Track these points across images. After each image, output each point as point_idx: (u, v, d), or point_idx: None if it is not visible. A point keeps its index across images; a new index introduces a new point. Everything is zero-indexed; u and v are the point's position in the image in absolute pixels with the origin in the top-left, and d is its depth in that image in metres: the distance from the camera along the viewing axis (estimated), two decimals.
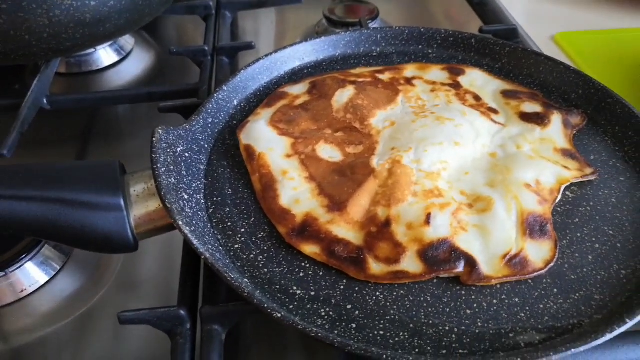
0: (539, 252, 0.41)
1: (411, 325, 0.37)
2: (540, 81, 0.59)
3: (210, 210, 0.45)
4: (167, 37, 0.88)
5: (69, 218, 0.39)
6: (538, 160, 0.47)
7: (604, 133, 0.53)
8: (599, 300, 0.39)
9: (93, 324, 0.47)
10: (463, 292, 0.39)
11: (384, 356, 0.34)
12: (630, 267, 0.41)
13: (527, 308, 0.38)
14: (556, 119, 0.52)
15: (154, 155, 0.42)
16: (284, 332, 0.44)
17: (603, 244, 0.43)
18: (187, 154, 0.47)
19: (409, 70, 0.59)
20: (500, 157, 0.48)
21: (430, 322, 0.37)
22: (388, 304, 0.38)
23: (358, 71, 0.59)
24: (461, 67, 0.60)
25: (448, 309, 0.38)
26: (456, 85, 0.57)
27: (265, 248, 0.42)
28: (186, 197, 0.43)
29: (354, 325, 0.37)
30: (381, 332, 0.37)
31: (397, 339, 0.36)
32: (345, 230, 0.42)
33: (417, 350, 0.36)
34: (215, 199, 0.46)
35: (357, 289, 0.39)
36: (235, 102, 0.55)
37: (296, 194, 0.45)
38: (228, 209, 0.45)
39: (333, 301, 0.38)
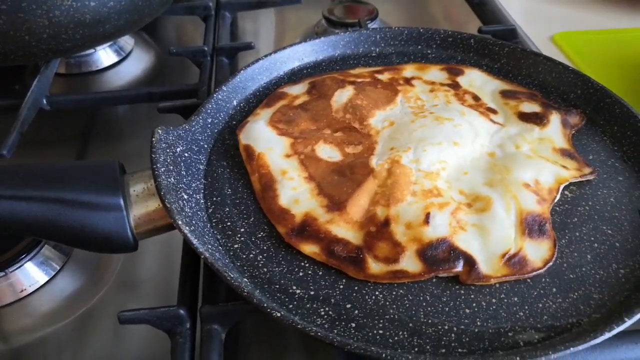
0: (537, 252, 0.41)
1: (410, 325, 0.37)
2: (539, 81, 0.59)
3: (210, 210, 0.45)
4: (166, 37, 0.88)
5: (69, 218, 0.39)
6: (537, 160, 0.47)
7: (602, 133, 0.53)
8: (598, 300, 0.39)
9: (93, 323, 0.47)
10: (462, 292, 0.39)
11: (383, 355, 0.34)
12: (628, 266, 0.41)
13: (526, 307, 0.38)
14: (555, 118, 0.52)
15: (153, 155, 0.42)
16: (284, 331, 0.45)
17: (602, 243, 0.43)
18: (186, 154, 0.47)
19: (408, 70, 0.60)
20: (499, 157, 0.48)
21: (430, 321, 0.37)
22: (387, 303, 0.38)
23: (357, 71, 0.60)
24: (460, 67, 0.60)
25: (447, 308, 0.38)
26: (455, 86, 0.57)
27: (265, 248, 0.42)
28: (186, 197, 0.43)
29: (353, 325, 0.37)
30: (380, 331, 0.37)
31: (396, 338, 0.36)
32: (345, 229, 0.42)
33: (416, 349, 0.36)
34: (214, 198, 0.46)
35: (356, 288, 0.39)
36: (235, 103, 0.55)
37: (295, 194, 0.45)
38: (227, 209, 0.45)
39: (332, 300, 0.38)
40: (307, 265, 0.41)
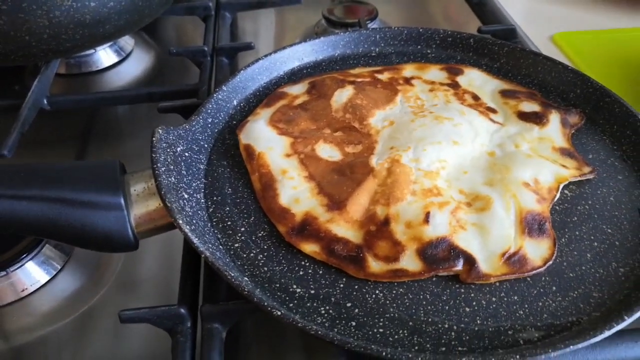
0: (537, 251, 0.41)
1: (410, 323, 0.37)
2: (539, 81, 0.59)
3: (210, 210, 0.45)
4: (166, 37, 0.88)
5: (70, 217, 0.40)
6: (536, 159, 0.48)
7: (602, 132, 0.53)
8: (598, 298, 0.39)
9: (94, 323, 0.47)
10: (462, 290, 0.39)
11: (384, 353, 0.34)
12: (628, 265, 0.41)
13: (526, 306, 0.38)
14: (554, 118, 0.52)
15: (154, 155, 0.42)
16: (284, 330, 0.45)
17: (601, 242, 0.43)
18: (187, 154, 0.47)
19: (408, 70, 0.60)
20: (499, 156, 0.49)
21: (430, 319, 0.38)
22: (387, 302, 0.38)
23: (357, 71, 0.60)
24: (460, 67, 0.60)
25: (447, 307, 0.38)
26: (455, 85, 0.57)
27: (265, 247, 0.42)
28: (186, 196, 0.44)
29: (353, 323, 0.37)
30: (380, 330, 0.37)
31: (396, 337, 0.36)
32: (345, 229, 0.42)
33: (416, 347, 0.36)
34: (215, 198, 0.46)
35: (356, 287, 0.39)
36: (235, 102, 0.56)
37: (296, 193, 0.45)
38: (228, 208, 0.45)
39: (333, 299, 0.39)
40: (307, 264, 0.41)
